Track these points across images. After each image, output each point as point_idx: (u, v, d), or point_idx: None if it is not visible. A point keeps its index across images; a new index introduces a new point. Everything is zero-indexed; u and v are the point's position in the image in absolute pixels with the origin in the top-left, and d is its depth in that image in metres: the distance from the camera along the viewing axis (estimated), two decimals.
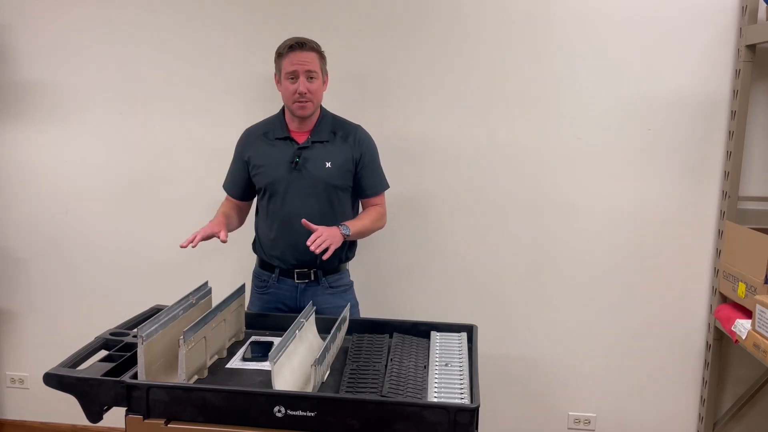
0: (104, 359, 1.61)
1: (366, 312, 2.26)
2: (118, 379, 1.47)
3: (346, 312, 1.83)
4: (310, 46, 2.02)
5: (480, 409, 1.40)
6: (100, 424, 1.55)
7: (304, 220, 1.94)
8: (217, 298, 1.78)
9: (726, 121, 2.35)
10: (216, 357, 1.73)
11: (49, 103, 2.63)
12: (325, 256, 1.91)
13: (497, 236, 2.50)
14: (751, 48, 2.24)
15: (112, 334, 1.75)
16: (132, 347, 1.63)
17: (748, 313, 2.13)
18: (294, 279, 2.11)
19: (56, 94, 2.62)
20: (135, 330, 1.67)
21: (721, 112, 2.35)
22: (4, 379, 2.85)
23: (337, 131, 2.12)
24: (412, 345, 1.82)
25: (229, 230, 2.06)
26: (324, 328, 1.82)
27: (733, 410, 2.49)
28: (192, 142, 2.58)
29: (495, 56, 2.41)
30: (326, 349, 1.58)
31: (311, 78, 2.02)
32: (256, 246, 2.20)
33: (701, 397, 2.50)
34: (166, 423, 1.43)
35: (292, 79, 2.01)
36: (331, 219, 2.05)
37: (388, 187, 2.23)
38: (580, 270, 2.49)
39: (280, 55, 2.04)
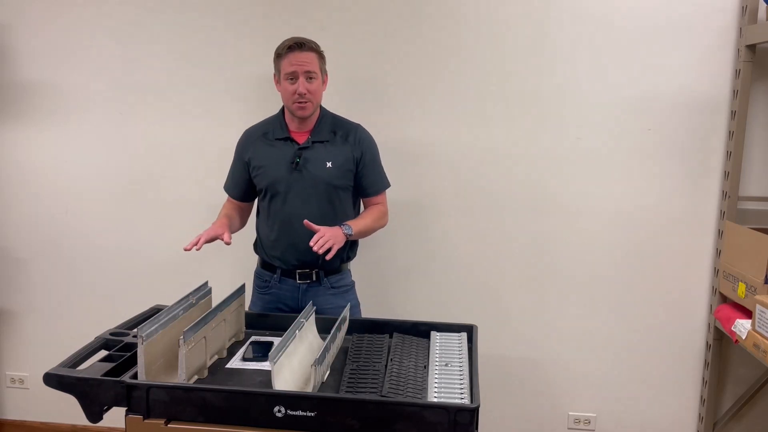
0: (104, 359, 1.61)
1: (366, 312, 2.26)
2: (118, 379, 1.47)
3: (346, 312, 1.83)
4: (309, 46, 2.02)
5: (480, 409, 1.40)
6: (100, 424, 1.55)
7: (306, 221, 1.94)
8: (217, 298, 1.78)
9: (726, 121, 2.35)
10: (216, 357, 1.73)
11: (49, 103, 2.63)
12: (328, 256, 1.91)
13: (497, 236, 2.50)
14: (751, 48, 2.24)
15: (112, 334, 1.75)
16: (132, 347, 1.63)
17: (748, 313, 2.13)
18: (296, 279, 2.11)
19: (56, 94, 2.62)
20: (135, 330, 1.67)
21: (721, 112, 2.35)
22: (4, 379, 2.85)
23: (337, 131, 2.12)
24: (412, 345, 1.82)
25: (232, 231, 2.05)
26: (324, 328, 1.82)
27: (733, 410, 2.49)
28: (192, 142, 2.57)
29: (495, 57, 2.41)
30: (326, 349, 1.58)
31: (310, 78, 2.01)
32: (258, 246, 2.20)
33: (701, 397, 2.50)
34: (166, 423, 1.43)
35: (292, 79, 2.01)
36: (333, 219, 2.05)
37: (390, 185, 2.22)
38: (580, 270, 2.49)
39: (279, 55, 2.04)
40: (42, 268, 2.74)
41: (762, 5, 2.23)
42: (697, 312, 2.47)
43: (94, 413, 1.49)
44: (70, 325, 2.73)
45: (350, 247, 2.16)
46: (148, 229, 2.65)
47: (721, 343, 2.43)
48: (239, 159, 2.17)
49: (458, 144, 2.47)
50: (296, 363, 1.59)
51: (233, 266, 2.57)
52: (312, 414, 1.39)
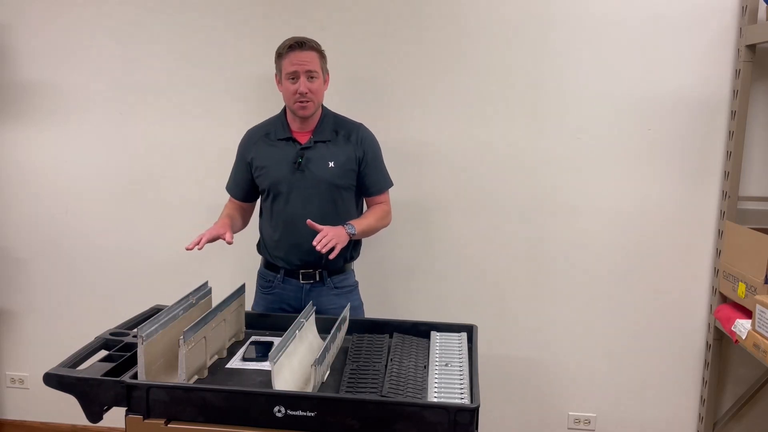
0: (104, 359, 1.61)
1: (368, 311, 2.26)
2: (118, 379, 1.47)
3: (346, 312, 1.83)
4: (310, 45, 2.02)
5: (480, 409, 1.40)
6: (100, 424, 1.55)
7: (309, 221, 1.93)
8: (217, 298, 1.78)
9: (726, 121, 2.35)
10: (216, 357, 1.73)
11: (49, 103, 2.63)
12: (332, 256, 1.91)
13: (497, 236, 2.50)
14: (751, 48, 2.24)
15: (112, 334, 1.75)
16: (132, 347, 1.63)
17: (748, 313, 2.13)
18: (299, 279, 2.11)
19: (56, 94, 2.62)
20: (135, 330, 1.67)
21: (721, 112, 2.35)
22: (4, 379, 2.85)
23: (339, 130, 2.11)
24: (412, 345, 1.82)
25: (234, 232, 2.05)
26: (324, 328, 1.82)
27: (733, 410, 2.49)
28: (192, 142, 2.57)
29: (495, 57, 2.41)
30: (326, 349, 1.58)
31: (312, 78, 2.01)
32: (261, 247, 2.19)
33: (701, 397, 2.50)
34: (166, 423, 1.43)
35: (293, 79, 2.00)
36: (335, 219, 2.04)
37: (393, 184, 2.22)
38: (581, 270, 2.49)
39: (280, 55, 2.04)
40: (42, 268, 2.74)
41: (762, 5, 2.23)
42: (697, 312, 2.47)
43: (94, 413, 1.49)
44: (70, 325, 2.73)
45: (353, 247, 2.16)
46: (148, 229, 2.65)
47: (721, 343, 2.43)
48: (241, 159, 2.16)
49: (458, 144, 2.47)
50: (296, 363, 1.59)
51: (233, 266, 2.57)
52: (312, 414, 1.39)
